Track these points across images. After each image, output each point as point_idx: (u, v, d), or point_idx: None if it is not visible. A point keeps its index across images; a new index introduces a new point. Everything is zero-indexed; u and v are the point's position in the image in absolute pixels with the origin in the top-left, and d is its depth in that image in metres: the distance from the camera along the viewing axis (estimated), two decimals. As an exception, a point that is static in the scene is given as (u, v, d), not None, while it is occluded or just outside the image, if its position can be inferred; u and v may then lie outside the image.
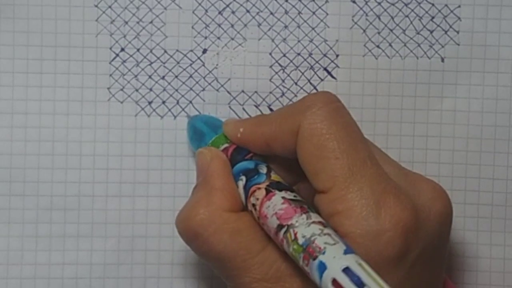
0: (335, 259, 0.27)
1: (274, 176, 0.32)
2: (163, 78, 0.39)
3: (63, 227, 0.38)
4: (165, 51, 0.39)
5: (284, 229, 0.29)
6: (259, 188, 0.32)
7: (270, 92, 0.39)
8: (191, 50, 0.39)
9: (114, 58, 0.39)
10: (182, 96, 0.39)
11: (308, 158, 0.31)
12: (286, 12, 0.39)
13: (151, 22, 0.39)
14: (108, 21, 0.38)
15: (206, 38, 0.39)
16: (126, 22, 0.39)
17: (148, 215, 0.39)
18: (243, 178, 0.33)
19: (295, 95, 0.39)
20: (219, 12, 0.39)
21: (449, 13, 0.39)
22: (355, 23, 0.39)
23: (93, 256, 0.38)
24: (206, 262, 0.33)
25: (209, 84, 0.39)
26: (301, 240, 0.28)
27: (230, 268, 0.31)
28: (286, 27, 0.39)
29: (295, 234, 0.29)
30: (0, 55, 0.38)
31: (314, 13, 0.39)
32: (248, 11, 0.39)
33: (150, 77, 0.39)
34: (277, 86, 0.39)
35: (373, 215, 0.29)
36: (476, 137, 0.39)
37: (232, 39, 0.39)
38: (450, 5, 0.39)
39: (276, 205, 0.30)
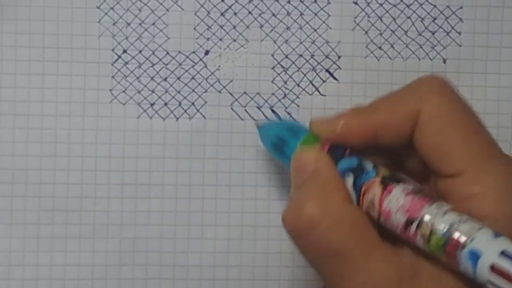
0: (488, 243, 0.26)
1: (383, 170, 0.30)
2: (165, 79, 0.39)
3: (65, 228, 0.38)
4: (167, 53, 0.39)
5: (415, 223, 0.28)
6: (373, 184, 0.30)
7: (272, 94, 0.39)
8: (193, 52, 0.39)
9: (116, 59, 0.39)
10: (184, 97, 0.39)
11: (433, 142, 0.30)
12: (288, 14, 0.39)
13: (153, 24, 0.39)
14: (110, 22, 0.38)
15: (208, 39, 0.39)
16: (128, 24, 0.39)
17: (150, 217, 0.39)
18: (351, 176, 0.31)
19: (297, 97, 0.39)
20: (221, 14, 0.39)
21: (451, 15, 0.39)
22: (357, 24, 0.39)
23: (95, 257, 0.38)
24: (315, 260, 0.30)
25: (211, 85, 0.39)
26: (440, 232, 0.27)
27: (345, 267, 0.29)
28: (288, 28, 0.39)
29: (432, 226, 0.27)
30: (2, 57, 0.38)
31: (316, 14, 0.39)
32: (250, 13, 0.39)
33: (152, 78, 0.39)
34: (279, 88, 0.39)
35: (509, 197, 0.28)
36: (478, 139, 0.39)
37: (234, 40, 0.39)
38: (452, 7, 0.39)
39: (399, 198, 0.29)
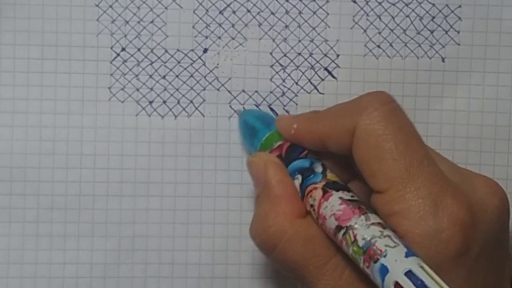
0: (397, 262, 0.27)
1: (330, 175, 0.32)
2: (164, 77, 0.39)
3: (64, 226, 0.38)
4: (166, 51, 0.39)
5: (343, 231, 0.29)
6: (315, 188, 0.31)
7: (271, 92, 0.39)
8: (192, 50, 0.39)
9: (115, 57, 0.39)
10: (183, 95, 0.39)
11: (365, 158, 0.31)
12: (287, 12, 0.39)
13: (152, 22, 0.39)
14: (109, 20, 0.38)
15: (207, 37, 0.39)
16: (127, 22, 0.39)
17: (148, 215, 0.39)
18: (299, 177, 0.32)
19: (296, 95, 0.39)
20: (220, 12, 0.39)
21: (450, 13, 0.39)
22: (356, 23, 0.39)
23: (93, 255, 0.38)
24: (284, 271, 0.33)
25: (210, 83, 0.39)
26: (361, 242, 0.28)
27: (304, 276, 0.31)
28: (286, 27, 0.39)
29: (355, 236, 0.28)
30: (1, 55, 0.38)
31: (314, 13, 0.39)
32: (249, 11, 0.39)
33: (151, 76, 0.39)
34: (278, 86, 0.39)
35: (431, 214, 0.29)
36: (476, 137, 0.39)
37: (233, 38, 0.39)
38: (450, 5, 0.39)
39: (334, 205, 0.30)
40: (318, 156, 0.34)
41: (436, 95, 0.39)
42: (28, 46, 0.38)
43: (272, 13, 0.39)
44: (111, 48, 0.39)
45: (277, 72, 0.39)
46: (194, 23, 0.39)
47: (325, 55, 0.39)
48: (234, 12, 0.39)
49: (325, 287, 0.30)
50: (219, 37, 0.39)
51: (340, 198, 0.30)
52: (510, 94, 0.39)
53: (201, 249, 0.39)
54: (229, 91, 0.39)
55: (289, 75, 0.39)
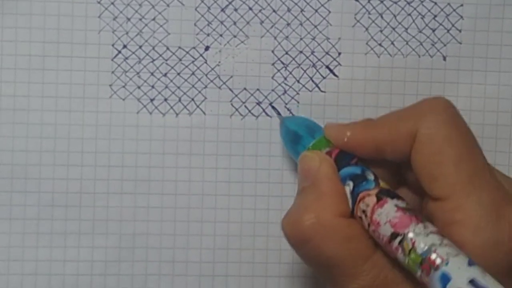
0: (460, 270, 0.27)
1: (382, 184, 0.32)
2: (165, 75, 0.39)
3: (65, 224, 0.38)
4: (168, 48, 0.39)
5: (399, 238, 0.29)
6: (369, 195, 0.31)
7: (272, 90, 0.39)
8: (194, 47, 0.39)
9: (117, 55, 0.38)
10: (184, 93, 0.39)
11: (426, 164, 0.30)
12: (289, 10, 0.39)
13: (153, 19, 0.39)
14: (110, 17, 0.38)
15: (208, 35, 0.39)
16: (129, 19, 0.39)
17: (149, 213, 0.39)
18: (350, 183, 0.32)
19: (297, 93, 0.39)
20: (222, 10, 0.39)
21: (452, 12, 0.39)
22: (358, 21, 0.39)
23: (94, 253, 0.38)
24: (312, 267, 0.32)
25: (211, 81, 0.39)
26: (420, 250, 0.28)
27: (338, 275, 0.30)
28: (288, 24, 0.39)
29: (413, 243, 0.28)
30: (3, 51, 0.38)
31: (316, 11, 0.39)
32: (250, 9, 0.39)
33: (152, 74, 0.39)
34: (279, 84, 0.39)
35: (493, 225, 0.28)
36: (477, 136, 0.39)
37: (235, 36, 0.39)
38: (452, 4, 0.39)
39: (389, 212, 0.30)
40: (366, 165, 0.33)
41: (438, 93, 0.39)
42: (29, 43, 0.38)
43: (274, 11, 0.39)
44: (113, 45, 0.38)
45: (278, 70, 0.39)
46: (196, 21, 0.39)
47: (327, 53, 0.39)
48: (236, 9, 0.39)
49: (359, 287, 0.30)
50: (221, 35, 0.39)
51: (396, 205, 0.30)
52: (511, 93, 0.39)
53: (202, 247, 0.39)
54: (230, 89, 0.39)
55: (290, 73, 0.39)
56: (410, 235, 0.29)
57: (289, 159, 0.39)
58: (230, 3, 0.39)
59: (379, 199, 0.31)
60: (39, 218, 0.38)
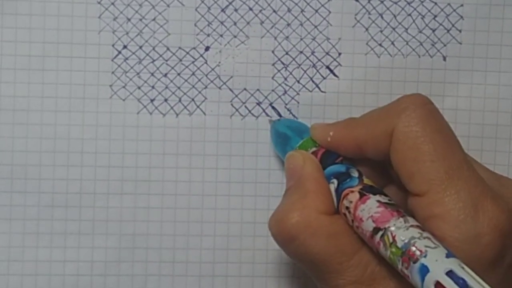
0: (437, 262, 0.27)
1: (366, 180, 0.32)
2: (165, 75, 0.39)
3: (65, 224, 0.38)
4: (168, 49, 0.39)
5: (381, 232, 0.29)
6: (352, 192, 0.31)
7: (273, 90, 0.39)
8: (194, 48, 0.39)
9: (117, 55, 0.38)
10: (185, 93, 0.39)
11: (403, 161, 0.30)
12: (289, 10, 0.39)
13: (153, 20, 0.39)
14: (110, 18, 0.38)
15: (208, 35, 0.39)
16: (129, 19, 0.39)
17: (149, 213, 0.39)
18: (335, 181, 0.32)
19: (297, 93, 0.39)
20: (222, 10, 0.39)
21: (452, 12, 0.39)
22: (358, 21, 0.39)
23: (94, 253, 0.38)
24: (300, 264, 0.33)
25: (212, 81, 0.39)
26: (400, 243, 0.28)
27: (324, 271, 0.31)
28: (288, 25, 0.39)
29: (394, 237, 0.29)
30: (2, 52, 0.38)
31: (316, 11, 0.39)
32: (251, 9, 0.39)
33: (152, 74, 0.39)
34: (280, 84, 0.39)
35: (471, 219, 0.29)
36: (477, 136, 0.39)
37: (235, 36, 0.39)
38: (452, 4, 0.39)
39: (371, 208, 0.30)
40: (352, 163, 0.34)
41: (438, 94, 0.39)
42: (29, 44, 0.38)
43: (274, 11, 0.39)
44: (113, 45, 0.38)
45: (279, 71, 0.39)
46: (196, 21, 0.39)
47: (327, 53, 0.39)
48: (236, 10, 0.39)
49: (347, 283, 0.30)
50: (221, 35, 0.39)
51: (378, 201, 0.30)
52: (511, 94, 0.39)
53: (202, 248, 0.39)
54: (230, 90, 0.39)
55: (290, 73, 0.39)
56: (391, 229, 0.29)
57: (289, 160, 0.39)
58: (230, 3, 0.39)
59: (361, 195, 0.31)
60: (39, 218, 0.38)
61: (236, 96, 0.39)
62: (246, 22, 0.39)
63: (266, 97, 0.39)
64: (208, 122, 0.39)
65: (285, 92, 0.39)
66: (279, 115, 0.39)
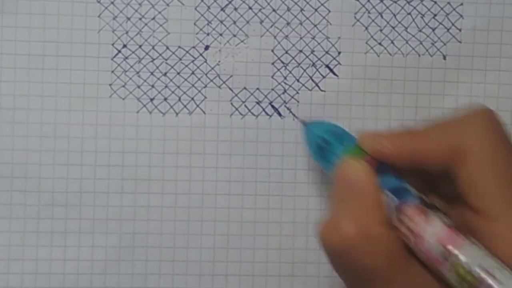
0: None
1: (423, 196, 0.31)
2: (165, 74, 0.39)
3: (65, 223, 0.38)
4: (167, 48, 0.39)
5: (452, 257, 0.28)
6: (411, 208, 0.30)
7: (272, 89, 0.39)
8: (193, 47, 0.39)
9: (116, 54, 0.39)
10: (184, 93, 0.39)
11: (471, 180, 0.30)
12: (288, 9, 0.39)
13: (153, 19, 0.39)
14: (110, 17, 0.38)
15: (208, 34, 0.39)
16: (129, 19, 0.39)
17: (149, 212, 0.39)
18: (389, 194, 0.31)
19: (297, 92, 0.39)
20: (221, 9, 0.39)
21: (452, 11, 0.39)
22: (357, 20, 0.39)
23: (94, 252, 0.38)
24: (347, 278, 0.31)
25: (211, 80, 0.39)
26: (474, 272, 0.28)
27: (374, 285, 0.30)
28: (288, 24, 0.39)
29: (464, 263, 0.28)
30: (2, 51, 0.38)
31: (316, 10, 0.39)
32: (250, 8, 0.39)
33: (152, 73, 0.39)
34: (279, 83, 0.39)
35: None
36: (477, 135, 0.39)
37: (234, 36, 0.39)
38: (452, 3, 0.39)
39: (436, 228, 0.29)
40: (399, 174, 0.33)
41: (438, 93, 0.39)
42: (29, 42, 0.38)
43: (273, 10, 0.39)
44: (112, 44, 0.39)
45: (278, 70, 0.39)
46: (196, 20, 0.39)
47: (327, 52, 0.39)
48: (235, 9, 0.39)
49: None
50: (221, 34, 0.39)
51: (443, 222, 0.29)
52: (511, 92, 0.39)
53: (202, 247, 0.39)
54: (230, 89, 0.39)
55: (290, 72, 0.39)
56: (459, 253, 0.28)
57: (289, 158, 0.39)
58: (229, 2, 0.39)
59: (423, 211, 0.30)
60: (39, 217, 0.38)
61: (236, 95, 0.39)
62: (245, 21, 0.39)
63: (265, 96, 0.39)
64: (208, 121, 0.39)
65: (285, 91, 0.39)
66: (279, 114, 0.39)
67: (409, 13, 0.39)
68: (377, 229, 0.30)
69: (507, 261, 0.28)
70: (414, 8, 0.39)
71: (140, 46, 0.39)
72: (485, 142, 0.30)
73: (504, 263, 0.28)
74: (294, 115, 0.39)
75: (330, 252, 0.30)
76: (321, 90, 0.39)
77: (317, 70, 0.39)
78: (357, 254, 0.29)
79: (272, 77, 0.39)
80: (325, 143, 0.35)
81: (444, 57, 0.39)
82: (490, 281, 0.27)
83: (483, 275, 0.27)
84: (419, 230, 0.30)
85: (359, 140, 0.33)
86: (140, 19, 0.39)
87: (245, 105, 0.39)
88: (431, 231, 0.29)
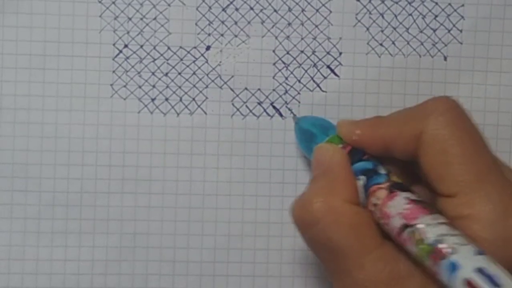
0: (467, 259, 0.27)
1: (393, 177, 0.32)
2: (166, 75, 0.39)
3: (65, 223, 0.38)
4: (169, 48, 0.39)
5: (409, 229, 0.29)
6: (380, 188, 0.31)
7: (273, 90, 0.39)
8: (195, 47, 0.39)
9: (118, 54, 0.38)
10: (185, 93, 0.39)
11: (432, 164, 0.31)
12: (290, 10, 0.39)
13: (154, 19, 0.39)
14: (111, 17, 0.38)
15: (209, 35, 0.39)
16: (130, 19, 0.39)
17: (150, 212, 0.39)
18: (362, 177, 0.32)
19: (298, 93, 0.39)
20: (223, 9, 0.39)
21: (453, 12, 0.39)
22: (359, 21, 0.39)
23: (95, 252, 0.38)
24: (317, 252, 0.32)
25: (212, 81, 0.39)
26: (429, 240, 0.28)
27: (342, 263, 0.30)
28: (289, 24, 0.39)
29: (422, 234, 0.28)
30: (3, 51, 0.38)
31: (317, 10, 0.39)
32: (251, 8, 0.39)
33: (153, 74, 0.39)
34: (280, 84, 0.39)
35: (502, 221, 0.29)
36: (478, 136, 0.39)
37: (236, 36, 0.39)
38: (453, 4, 0.39)
39: (400, 205, 0.30)
40: (379, 161, 0.34)
41: (438, 94, 0.39)
42: (30, 42, 0.38)
43: (275, 10, 0.39)
44: (114, 44, 0.38)
45: (279, 70, 0.39)
46: (197, 20, 0.39)
47: (328, 53, 0.39)
48: (237, 9, 0.39)
49: (364, 278, 0.30)
50: (222, 35, 0.39)
51: (407, 198, 0.30)
52: (512, 94, 0.39)
53: (203, 247, 0.39)
54: (231, 89, 0.39)
55: (291, 73, 0.39)
56: (420, 225, 0.29)
57: (291, 159, 0.39)
58: (231, 2, 0.39)
59: (390, 192, 0.31)
60: (40, 217, 0.38)
61: (237, 95, 0.39)
62: (247, 22, 0.39)
63: (267, 97, 0.39)
64: (209, 121, 0.39)
65: (286, 91, 0.39)
66: (280, 114, 0.39)
67: (410, 14, 0.39)
68: (341, 203, 0.31)
69: (472, 238, 0.28)
70: (415, 9, 0.39)
71: (141, 46, 0.39)
72: (441, 125, 0.31)
73: (464, 237, 0.28)
74: (294, 115, 0.39)
75: (299, 225, 0.32)
76: (322, 91, 0.39)
77: (318, 70, 0.39)
78: (323, 227, 0.30)
79: (274, 77, 0.39)
80: (311, 135, 0.36)
81: (445, 58, 0.39)
82: (440, 246, 0.28)
83: (435, 241, 0.28)
84: (384, 208, 0.30)
85: (337, 129, 0.35)
86: (141, 19, 0.39)
87: (246, 106, 0.39)
88: (394, 207, 0.30)
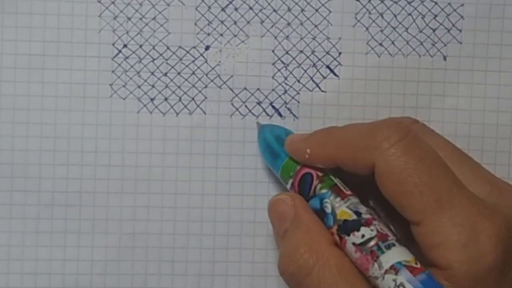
0: None
1: (339, 212, 0.32)
2: (165, 74, 0.39)
3: (64, 223, 0.38)
4: (168, 48, 0.39)
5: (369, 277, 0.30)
6: (332, 234, 0.32)
7: (273, 90, 0.39)
8: (194, 47, 0.39)
9: (117, 54, 0.38)
10: (185, 93, 0.39)
11: (391, 194, 0.30)
12: (289, 10, 0.39)
13: (154, 19, 0.39)
14: (111, 17, 0.38)
15: (209, 35, 0.39)
16: (129, 18, 0.39)
17: (149, 212, 0.39)
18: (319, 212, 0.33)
19: (298, 93, 0.39)
20: (222, 9, 0.39)
21: (452, 12, 0.39)
22: (358, 21, 0.39)
23: (94, 252, 0.38)
24: None
25: (212, 81, 0.39)
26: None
27: None
28: (289, 24, 0.39)
29: (381, 285, 0.29)
30: (3, 51, 0.38)
31: (317, 10, 0.39)
32: (251, 8, 0.39)
33: (152, 73, 0.39)
34: (280, 84, 0.39)
35: (472, 240, 0.29)
36: (478, 136, 0.39)
37: (235, 36, 0.39)
38: (453, 4, 0.39)
39: (351, 254, 0.31)
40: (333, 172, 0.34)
41: (438, 93, 0.39)
42: (29, 42, 0.38)
43: (274, 10, 0.39)
44: (113, 44, 0.38)
45: (279, 70, 0.39)
46: (196, 20, 0.39)
47: (327, 53, 0.39)
48: (236, 9, 0.39)
49: None
50: (221, 34, 0.39)
51: (353, 244, 0.31)
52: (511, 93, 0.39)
53: (202, 247, 0.39)
54: (231, 89, 0.39)
55: (291, 72, 0.39)
56: (372, 278, 0.30)
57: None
58: (230, 2, 0.39)
59: (340, 238, 0.31)
60: (39, 217, 0.38)
61: (236, 95, 0.39)
62: (246, 21, 0.39)
63: (266, 97, 0.39)
64: (208, 121, 0.39)
65: (286, 91, 0.39)
66: (279, 114, 0.39)
67: (410, 14, 0.39)
68: (326, 248, 0.31)
69: (448, 264, 0.29)
70: (415, 8, 0.39)
71: (140, 46, 0.39)
72: (392, 157, 0.30)
73: (443, 266, 0.29)
74: (294, 115, 0.39)
75: (293, 282, 0.32)
76: (322, 91, 0.39)
77: (317, 70, 0.39)
78: (316, 275, 0.30)
79: (273, 77, 0.39)
80: (272, 151, 0.36)
81: (445, 58, 0.39)
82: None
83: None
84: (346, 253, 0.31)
85: (286, 148, 0.35)
86: (140, 19, 0.39)
87: (246, 106, 0.39)
88: (351, 255, 0.31)
